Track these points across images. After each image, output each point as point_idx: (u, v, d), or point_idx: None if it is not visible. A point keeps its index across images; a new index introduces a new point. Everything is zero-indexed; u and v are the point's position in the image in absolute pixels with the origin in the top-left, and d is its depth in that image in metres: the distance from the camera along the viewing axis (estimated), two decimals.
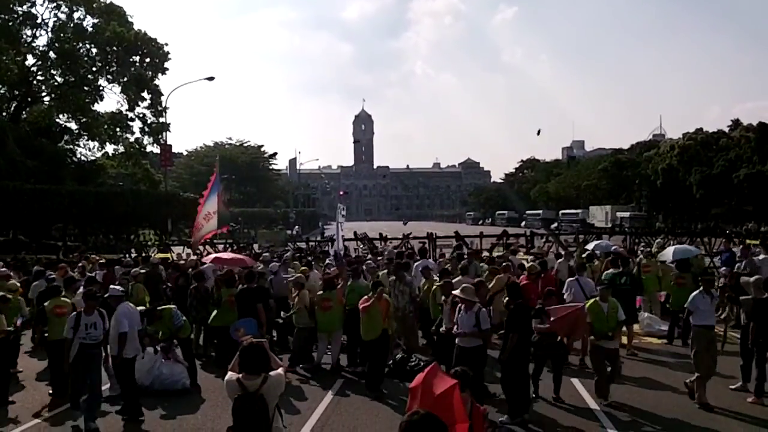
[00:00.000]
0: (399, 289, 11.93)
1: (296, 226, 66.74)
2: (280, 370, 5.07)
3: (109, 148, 47.87)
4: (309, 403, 9.40)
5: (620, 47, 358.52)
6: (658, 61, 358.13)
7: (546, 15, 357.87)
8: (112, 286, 9.96)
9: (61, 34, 41.88)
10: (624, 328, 10.88)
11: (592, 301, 9.58)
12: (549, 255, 17.80)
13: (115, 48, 42.58)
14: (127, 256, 22.16)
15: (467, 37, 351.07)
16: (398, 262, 13.66)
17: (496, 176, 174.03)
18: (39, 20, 41.66)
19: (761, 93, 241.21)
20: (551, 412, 8.79)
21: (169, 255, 22.43)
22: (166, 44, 45.03)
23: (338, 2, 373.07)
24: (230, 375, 4.99)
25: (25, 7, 40.85)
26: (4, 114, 41.43)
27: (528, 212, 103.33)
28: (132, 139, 46.42)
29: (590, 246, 19.54)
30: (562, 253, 17.15)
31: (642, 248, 18.86)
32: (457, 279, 12.31)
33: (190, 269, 14.50)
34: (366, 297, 10.19)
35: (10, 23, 40.09)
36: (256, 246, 25.12)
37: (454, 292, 9.30)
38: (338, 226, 17.36)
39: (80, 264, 17.08)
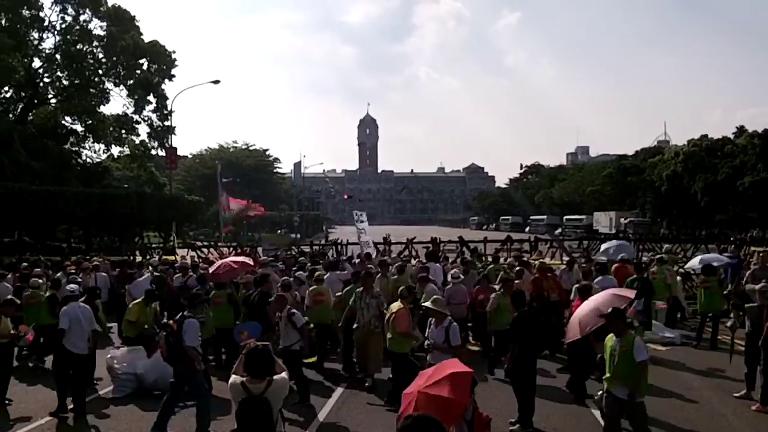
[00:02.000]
0: (365, 301, 10.42)
1: (296, 234, 63.54)
2: (284, 374, 5.07)
3: (115, 150, 48.12)
4: (312, 406, 9.36)
5: (624, 53, 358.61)
6: (662, 67, 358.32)
7: (549, 21, 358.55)
8: (68, 287, 10.07)
9: (68, 37, 42.03)
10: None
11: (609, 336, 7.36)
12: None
13: (119, 51, 42.64)
14: (131, 257, 22.22)
15: (471, 42, 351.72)
16: (367, 271, 12.09)
17: (501, 181, 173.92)
18: (46, 23, 41.85)
19: (764, 99, 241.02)
20: (555, 420, 8.76)
21: (174, 257, 22.47)
22: (174, 52, 45.21)
23: (342, 5, 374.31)
24: (234, 378, 4.97)
25: (32, 10, 40.98)
26: (11, 115, 41.57)
27: (532, 217, 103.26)
28: (137, 142, 46.57)
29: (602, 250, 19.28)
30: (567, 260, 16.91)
31: (651, 255, 18.79)
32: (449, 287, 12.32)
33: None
34: (401, 307, 9.25)
35: (18, 25, 40.25)
36: (260, 249, 25.06)
37: (424, 303, 8.72)
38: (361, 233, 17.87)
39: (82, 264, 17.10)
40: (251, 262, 13.81)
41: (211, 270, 13.06)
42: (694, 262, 15.71)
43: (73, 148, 45.71)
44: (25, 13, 40.69)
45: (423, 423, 3.40)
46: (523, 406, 8.29)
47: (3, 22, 39.45)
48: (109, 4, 43.13)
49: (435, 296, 8.91)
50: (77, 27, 42.61)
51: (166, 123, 45.44)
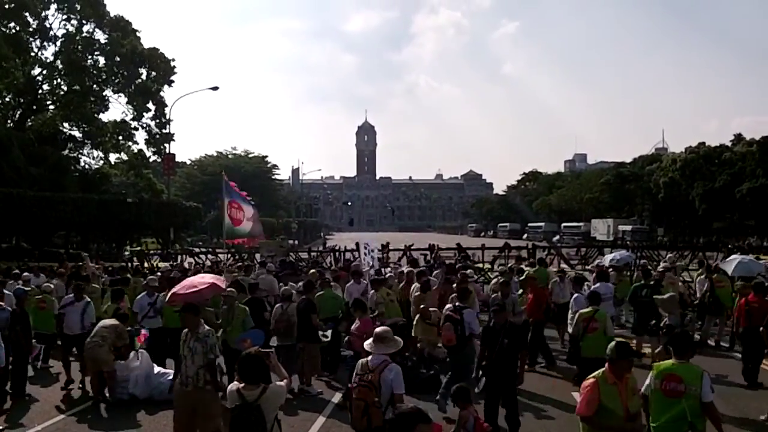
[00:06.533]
0: (189, 345, 7.02)
1: (294, 241, 62.98)
2: (281, 382, 5.07)
3: (113, 157, 48.11)
4: (310, 413, 9.33)
5: (622, 62, 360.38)
6: (659, 75, 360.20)
7: (548, 30, 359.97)
8: None
9: (71, 46, 42.03)
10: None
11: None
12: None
13: (119, 59, 42.67)
14: (129, 264, 22.18)
15: (470, 50, 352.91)
16: (190, 303, 7.65)
17: (498, 188, 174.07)
18: (49, 31, 41.83)
19: (760, 107, 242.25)
20: (548, 425, 8.74)
21: (171, 264, 22.43)
22: (173, 60, 45.25)
23: (341, 14, 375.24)
24: (232, 384, 5.04)
25: (37, 21, 41.00)
26: (9, 122, 41.59)
27: (530, 225, 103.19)
28: (135, 150, 46.54)
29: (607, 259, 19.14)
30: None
31: (663, 263, 18.67)
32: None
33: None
34: None
35: (20, 33, 40.24)
36: (257, 256, 24.87)
37: (365, 344, 6.13)
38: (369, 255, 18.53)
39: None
40: (207, 289, 9.90)
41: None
42: (729, 267, 15.50)
43: (72, 155, 45.69)
44: (30, 20, 40.69)
45: (406, 415, 3.37)
46: (509, 416, 7.97)
47: (6, 30, 39.42)
48: (111, 14, 43.21)
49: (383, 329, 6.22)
50: (78, 37, 42.60)
51: (165, 130, 45.47)
